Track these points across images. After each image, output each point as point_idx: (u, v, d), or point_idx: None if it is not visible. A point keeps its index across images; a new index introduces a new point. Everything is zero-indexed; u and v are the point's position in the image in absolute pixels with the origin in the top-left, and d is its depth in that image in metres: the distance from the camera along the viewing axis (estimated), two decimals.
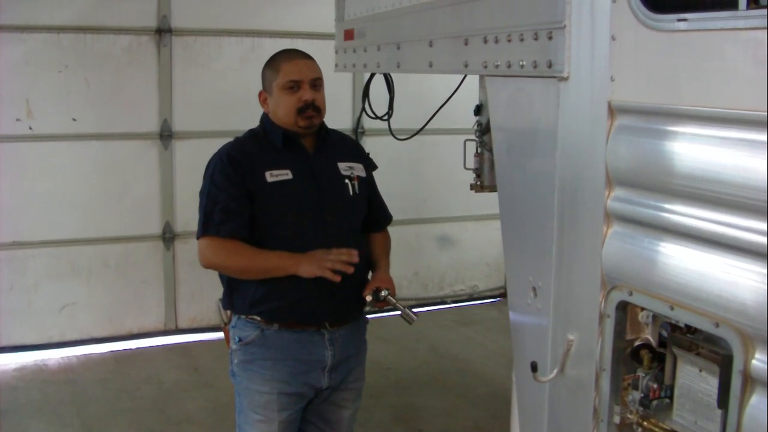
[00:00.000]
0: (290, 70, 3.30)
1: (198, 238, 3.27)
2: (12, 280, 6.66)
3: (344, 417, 3.49)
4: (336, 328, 3.30)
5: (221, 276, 3.38)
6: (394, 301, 3.25)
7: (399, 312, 3.27)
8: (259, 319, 3.26)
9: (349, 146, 3.59)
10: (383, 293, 3.24)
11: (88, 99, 6.65)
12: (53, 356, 6.66)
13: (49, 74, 6.51)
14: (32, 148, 6.56)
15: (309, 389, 3.33)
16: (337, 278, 3.11)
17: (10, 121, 6.43)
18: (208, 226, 3.22)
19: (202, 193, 3.30)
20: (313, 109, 3.28)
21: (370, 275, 3.40)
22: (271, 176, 3.23)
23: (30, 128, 6.51)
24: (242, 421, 3.37)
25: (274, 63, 3.37)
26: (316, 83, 3.31)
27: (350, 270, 3.13)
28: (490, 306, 8.21)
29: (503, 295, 8.19)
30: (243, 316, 3.31)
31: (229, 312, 3.41)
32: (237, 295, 3.32)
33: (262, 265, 3.21)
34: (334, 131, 3.52)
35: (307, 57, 3.38)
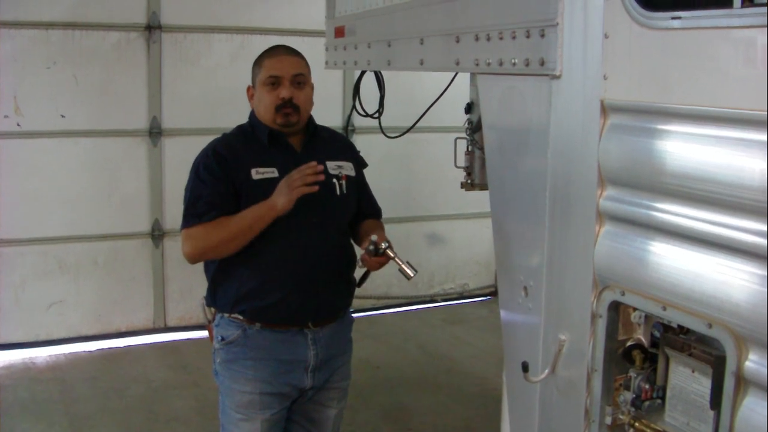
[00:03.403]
0: (271, 65, 3.28)
1: (181, 232, 3.25)
2: None
3: (330, 416, 3.47)
4: (319, 328, 3.28)
5: (206, 272, 3.36)
6: (394, 253, 3.11)
7: (398, 266, 3.10)
8: (241, 318, 3.24)
9: (340, 144, 3.57)
10: (383, 245, 3.11)
11: (77, 96, 6.62)
12: (41, 354, 6.63)
13: (38, 71, 6.48)
14: (20, 145, 6.53)
15: (292, 389, 3.30)
16: (314, 189, 3.06)
17: None
18: (189, 218, 3.19)
19: (186, 188, 3.27)
20: (291, 106, 3.25)
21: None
22: (257, 173, 3.21)
23: (18, 125, 6.48)
24: (225, 421, 3.35)
25: (259, 59, 3.36)
26: (299, 80, 3.28)
27: (321, 177, 3.08)
28: (480, 305, 8.20)
29: (493, 293, 8.20)
30: (226, 315, 3.29)
31: (213, 310, 3.39)
32: (220, 292, 3.30)
33: (243, 223, 3.13)
34: (324, 128, 3.50)
35: (291, 53, 3.35)
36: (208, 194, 3.17)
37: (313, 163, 3.09)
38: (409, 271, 3.09)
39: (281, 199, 3.07)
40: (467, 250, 8.24)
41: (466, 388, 6.09)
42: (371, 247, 3.11)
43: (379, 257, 3.13)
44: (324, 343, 3.29)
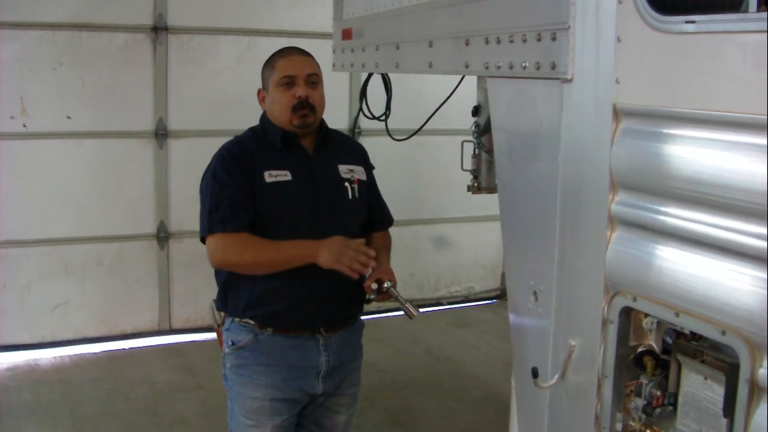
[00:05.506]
0: (285, 65, 3.26)
1: (203, 237, 3.20)
2: (4, 279, 6.61)
3: (339, 422, 3.45)
4: (331, 334, 3.26)
5: (216, 276, 3.33)
6: (397, 293, 3.12)
7: (400, 305, 3.11)
8: (252, 323, 3.21)
9: (351, 148, 3.55)
10: (386, 284, 3.11)
11: (83, 97, 6.60)
12: (46, 356, 6.61)
13: (44, 72, 6.46)
14: (26, 146, 6.52)
15: (303, 395, 3.28)
16: (355, 276, 3.04)
17: (4, 118, 6.38)
18: (213, 223, 3.14)
19: (204, 192, 3.23)
20: (308, 106, 3.23)
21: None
22: (270, 176, 3.18)
23: (24, 126, 6.46)
24: (235, 426, 3.32)
25: (271, 60, 3.34)
26: (312, 79, 3.26)
27: (367, 271, 3.04)
28: (486, 308, 8.17)
29: (499, 297, 8.19)
30: (237, 319, 3.26)
31: (222, 314, 3.36)
32: (231, 296, 3.27)
33: (280, 256, 3.11)
34: (335, 131, 3.48)
35: (303, 53, 3.34)
36: (229, 196, 3.14)
37: (373, 252, 3.07)
38: (411, 311, 3.09)
39: (326, 257, 3.04)
40: (473, 253, 8.22)
41: (473, 391, 6.07)
42: (374, 285, 3.11)
43: (382, 295, 3.14)
44: (336, 349, 3.27)
